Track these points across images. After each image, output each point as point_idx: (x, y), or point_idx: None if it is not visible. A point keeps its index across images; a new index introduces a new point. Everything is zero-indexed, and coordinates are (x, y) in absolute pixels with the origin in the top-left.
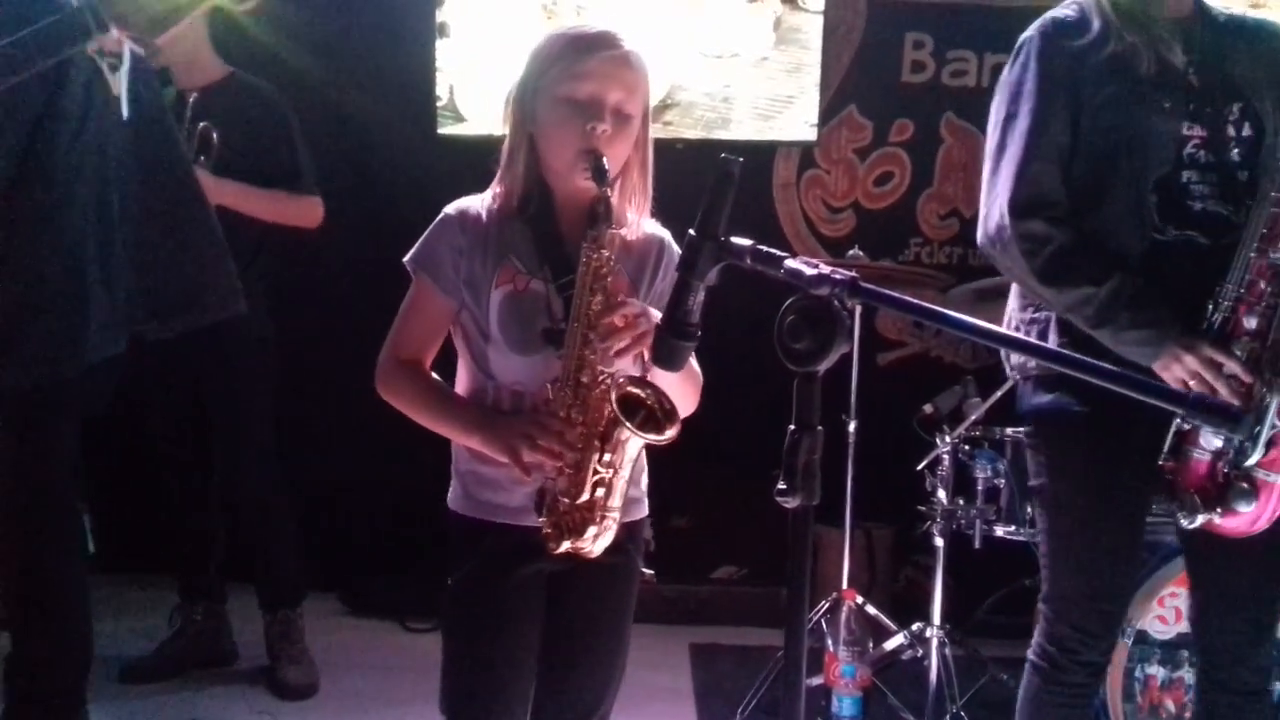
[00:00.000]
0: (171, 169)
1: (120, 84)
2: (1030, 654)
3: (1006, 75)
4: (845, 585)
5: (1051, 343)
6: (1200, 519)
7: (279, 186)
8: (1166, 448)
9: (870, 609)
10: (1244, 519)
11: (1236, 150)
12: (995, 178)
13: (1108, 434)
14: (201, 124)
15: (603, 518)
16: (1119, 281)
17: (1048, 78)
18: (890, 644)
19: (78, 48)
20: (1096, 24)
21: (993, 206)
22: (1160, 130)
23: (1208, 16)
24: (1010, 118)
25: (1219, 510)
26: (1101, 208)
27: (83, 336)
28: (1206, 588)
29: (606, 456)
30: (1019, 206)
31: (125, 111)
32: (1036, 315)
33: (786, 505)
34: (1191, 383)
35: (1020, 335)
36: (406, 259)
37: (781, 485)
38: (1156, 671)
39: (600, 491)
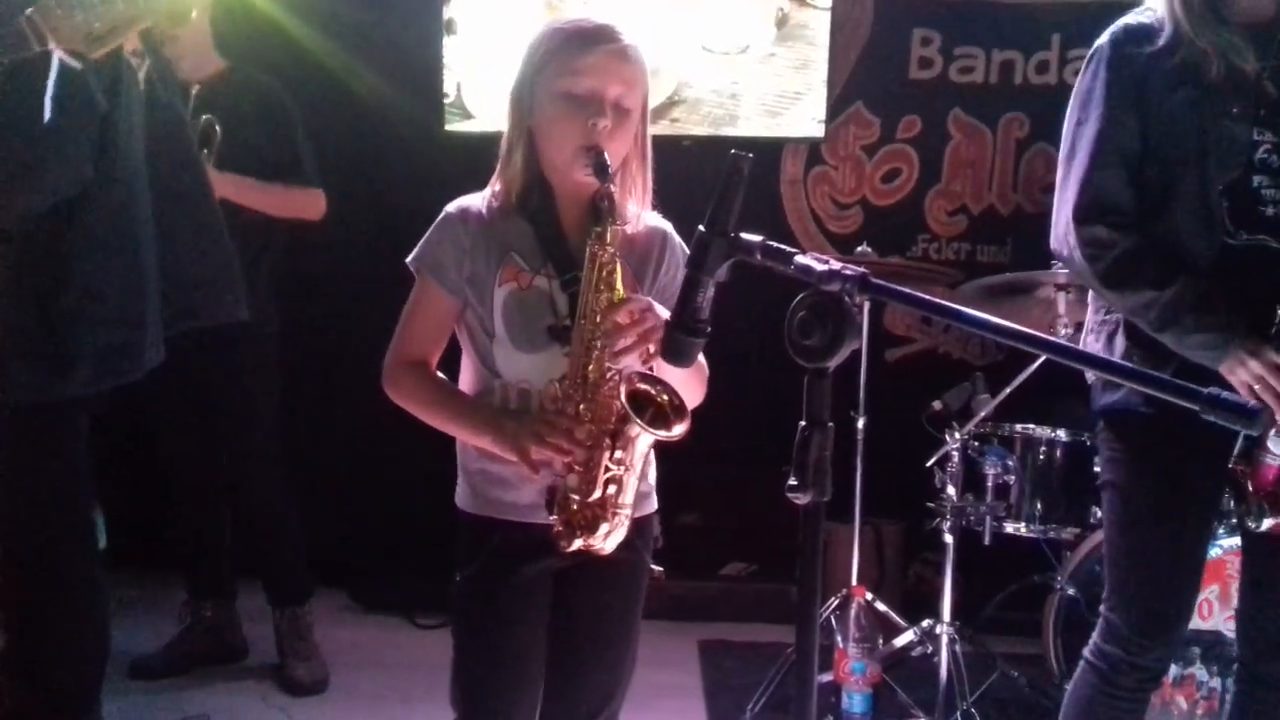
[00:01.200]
0: (185, 169)
1: (48, 88)
2: (1087, 653)
3: (1079, 83)
4: (855, 582)
5: (1118, 344)
6: (1268, 523)
7: (280, 179)
8: (1237, 451)
9: (880, 605)
10: None
11: None
12: (1065, 184)
13: (1178, 436)
14: (204, 117)
15: (614, 515)
16: (1183, 285)
17: (1116, 85)
18: (900, 641)
19: (16, 59)
20: (1168, 30)
21: (1060, 212)
22: (1229, 135)
23: None
24: (1080, 124)
25: None
26: (1171, 212)
27: (142, 344)
28: (1261, 584)
29: (618, 454)
30: (1083, 212)
31: (47, 114)
32: (1107, 317)
33: (798, 501)
34: (1256, 387)
35: (1088, 340)
36: (409, 259)
37: (793, 481)
38: (1169, 668)
39: (612, 489)
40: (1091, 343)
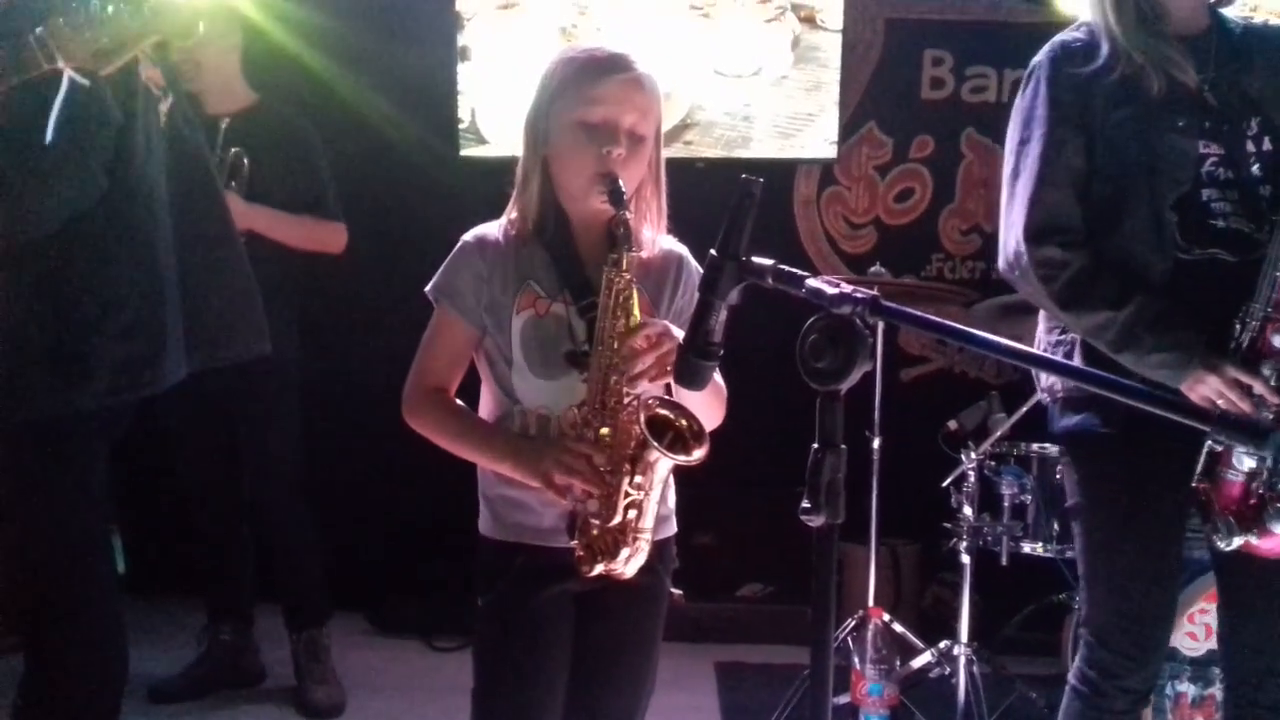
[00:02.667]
0: (208, 207)
1: (54, 107)
2: (1071, 678)
3: (1019, 101)
4: (871, 603)
5: (1077, 364)
6: (1237, 541)
7: (305, 213)
8: (1200, 469)
9: (897, 627)
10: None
11: (1257, 165)
12: (1011, 204)
13: (1139, 455)
14: (233, 150)
15: (635, 539)
16: (1139, 305)
17: (1058, 103)
18: (917, 662)
19: (26, 76)
20: (1105, 47)
21: (1009, 233)
22: (1176, 149)
23: (1224, 30)
24: (1023, 143)
25: (1254, 532)
26: (1122, 228)
27: (162, 356)
28: (1237, 605)
29: (637, 478)
30: (1033, 232)
31: (50, 135)
32: (1062, 337)
33: (811, 524)
34: (1219, 403)
35: (1045, 354)
36: (428, 289)
37: (806, 504)
38: (1187, 689)
39: (632, 513)
40: None
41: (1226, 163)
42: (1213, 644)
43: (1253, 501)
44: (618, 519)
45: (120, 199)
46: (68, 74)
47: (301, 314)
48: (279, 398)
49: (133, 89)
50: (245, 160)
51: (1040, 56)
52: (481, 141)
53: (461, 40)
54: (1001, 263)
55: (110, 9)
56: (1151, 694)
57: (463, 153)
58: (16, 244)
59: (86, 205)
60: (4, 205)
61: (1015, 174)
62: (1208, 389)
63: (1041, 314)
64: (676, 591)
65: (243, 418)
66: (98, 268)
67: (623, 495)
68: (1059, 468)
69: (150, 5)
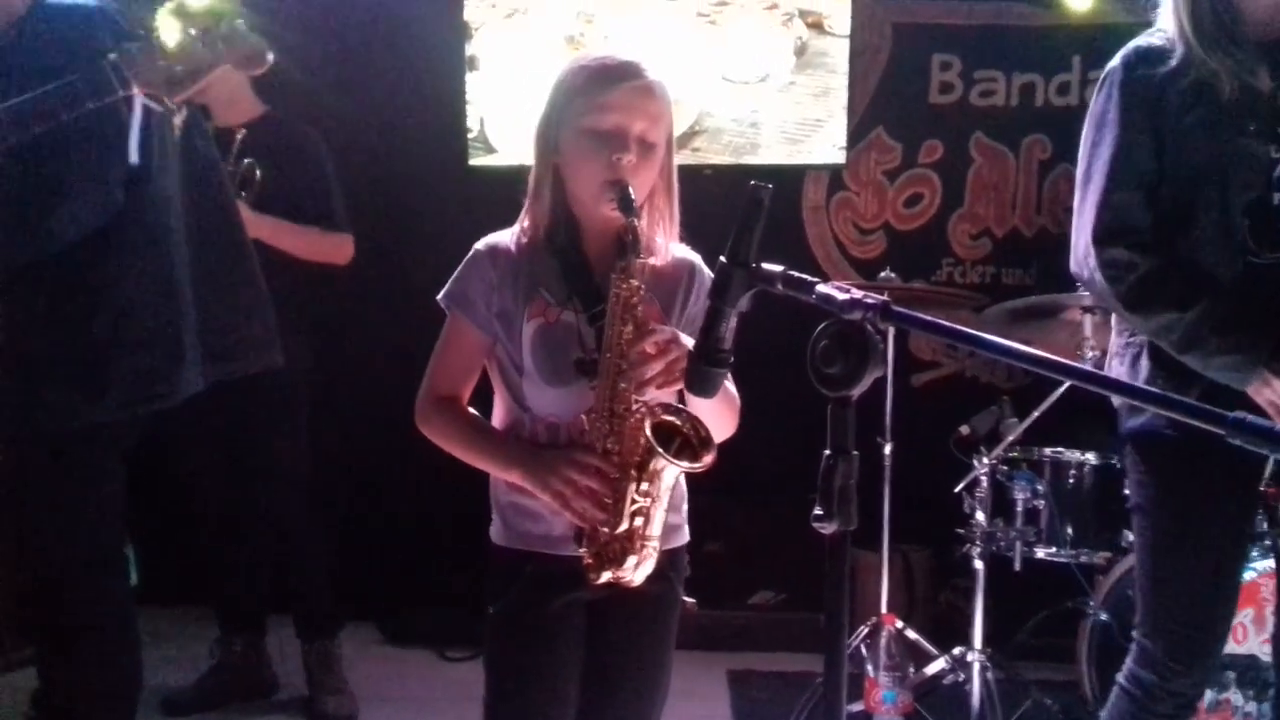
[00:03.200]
0: (222, 219)
1: (131, 135)
2: (1121, 678)
3: (1092, 106)
4: (884, 609)
5: (1143, 366)
6: None
7: (313, 224)
8: (1269, 474)
9: (910, 633)
10: None
11: None
12: (1082, 206)
13: (1203, 457)
14: (246, 160)
15: (642, 546)
16: (1206, 306)
17: (1129, 107)
18: (931, 668)
19: (102, 103)
20: (1179, 51)
21: (1080, 236)
22: (1246, 154)
23: None
24: (1095, 146)
25: None
26: (1191, 232)
27: (178, 369)
28: None
29: (644, 486)
30: (1101, 234)
31: (134, 157)
32: (1131, 340)
33: (823, 531)
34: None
35: (1112, 364)
36: (440, 296)
37: (818, 511)
38: (1204, 693)
39: (639, 521)
40: (1116, 366)
41: None
42: (1230, 648)
43: None
44: (624, 526)
45: (137, 212)
46: (139, 99)
47: (311, 324)
48: (288, 408)
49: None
50: (257, 171)
51: (1115, 61)
52: (490, 150)
53: (469, 50)
54: (1072, 263)
55: (183, 38)
56: (1200, 700)
57: (471, 162)
58: (33, 258)
59: (103, 222)
60: (17, 222)
61: (1087, 177)
62: (1273, 393)
63: (1114, 318)
64: (689, 600)
65: (253, 427)
66: (114, 281)
67: (629, 502)
68: (1072, 472)
69: (222, 35)
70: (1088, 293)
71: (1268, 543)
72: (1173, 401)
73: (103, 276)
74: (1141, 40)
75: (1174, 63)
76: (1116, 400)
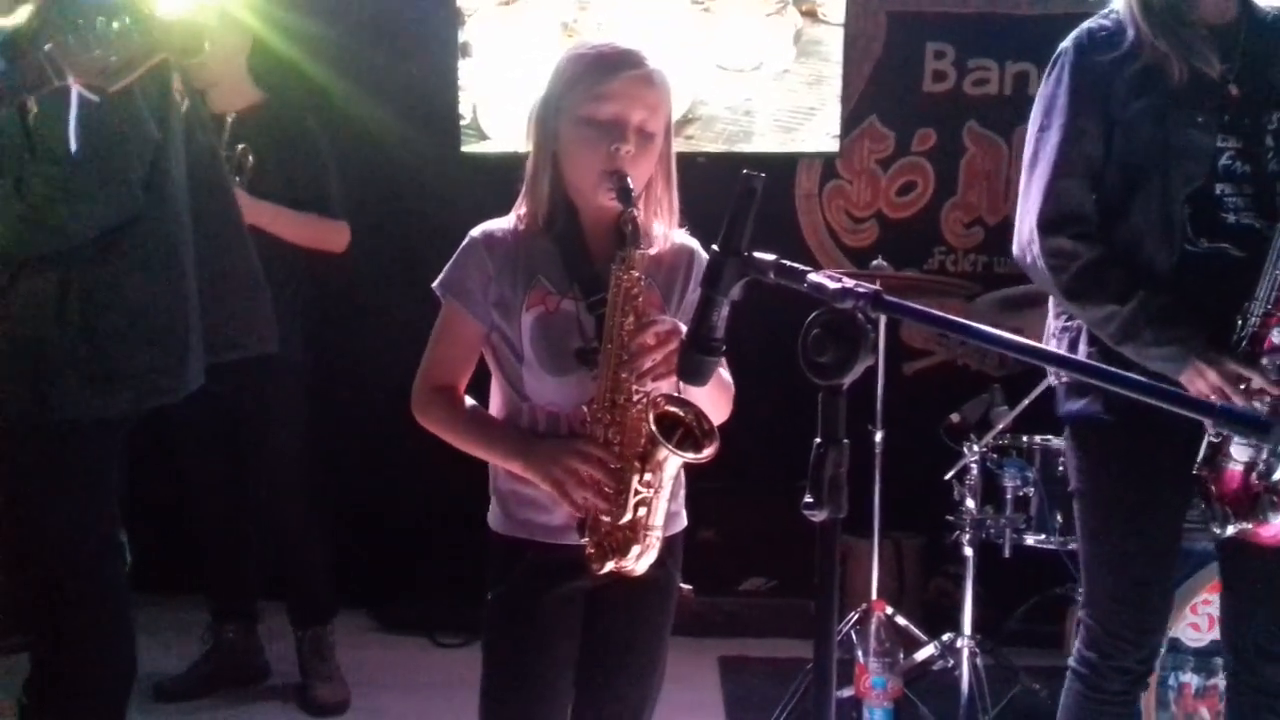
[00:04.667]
0: (221, 208)
1: (70, 120)
2: (1071, 661)
3: (1042, 87)
4: (874, 596)
5: (1081, 351)
6: (1232, 529)
7: (309, 211)
8: (1201, 457)
9: (900, 620)
10: (1278, 528)
11: (1275, 161)
12: (1028, 191)
13: (1140, 442)
14: (239, 146)
15: (645, 536)
16: (1142, 300)
17: (1079, 92)
18: (921, 654)
19: (37, 94)
20: (1130, 34)
21: (1024, 221)
22: (1193, 144)
23: (1254, 19)
24: (1043, 130)
25: (1250, 521)
26: (1131, 218)
27: (185, 365)
28: (1238, 589)
29: (647, 476)
30: (1046, 222)
31: (72, 146)
32: (1069, 324)
33: (813, 519)
34: (1212, 397)
35: (1049, 346)
36: (435, 285)
37: (808, 499)
38: (1190, 679)
39: (642, 511)
40: (1055, 348)
41: (1244, 156)
42: (1216, 634)
43: (1252, 491)
44: (628, 516)
45: (154, 210)
46: (75, 88)
47: (307, 309)
48: (284, 395)
49: (168, 103)
50: (250, 157)
51: (1066, 43)
52: (483, 138)
53: (462, 36)
54: (1015, 249)
55: (117, 27)
56: (1149, 675)
57: (464, 149)
58: (46, 252)
59: (122, 220)
60: (31, 216)
61: (1034, 161)
62: (1205, 384)
63: (1051, 300)
64: (686, 587)
65: (248, 414)
66: (128, 277)
67: (633, 493)
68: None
69: (158, 23)
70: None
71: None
72: (1161, 391)
73: (116, 272)
74: (1093, 22)
75: (1124, 47)
76: (1054, 381)
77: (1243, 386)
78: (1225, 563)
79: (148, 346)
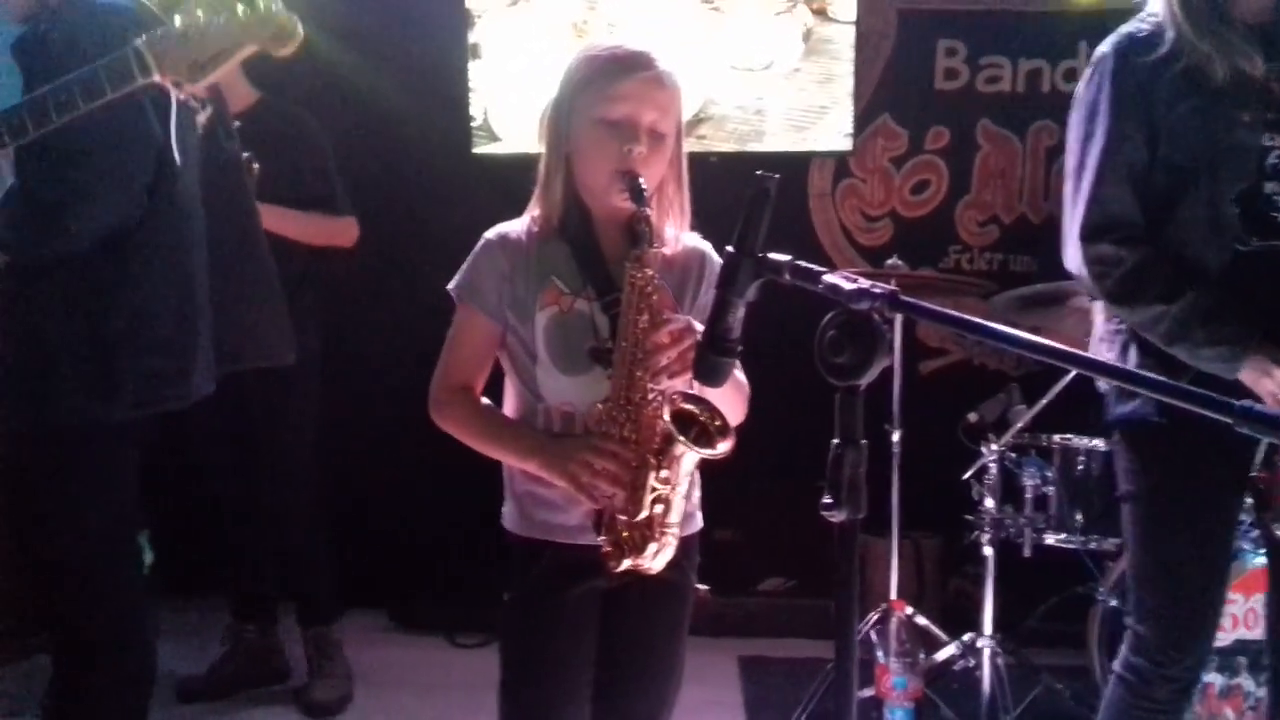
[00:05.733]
0: (242, 218)
1: (172, 130)
2: (1117, 666)
3: (1083, 93)
4: (894, 596)
5: (1132, 355)
6: None
7: (314, 209)
8: (1260, 458)
9: (920, 619)
10: None
11: None
12: (1074, 201)
13: (1195, 445)
14: (244, 154)
15: (662, 534)
16: (1191, 299)
17: (1120, 98)
18: (941, 654)
19: (121, 93)
20: (1171, 36)
21: (1070, 230)
22: (1240, 144)
23: None
24: (1087, 139)
25: None
26: (1179, 220)
27: (189, 373)
28: None
29: (663, 473)
30: (1088, 231)
31: (176, 156)
32: (1119, 327)
33: (832, 520)
34: (1269, 401)
35: (1098, 350)
36: (450, 286)
37: (827, 499)
38: (1214, 679)
39: (659, 508)
40: (1104, 352)
41: None
42: (1240, 634)
43: None
44: (644, 514)
45: (158, 215)
46: (176, 94)
47: (318, 312)
48: (296, 398)
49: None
50: (255, 165)
51: (1105, 48)
52: (494, 139)
53: (472, 38)
54: (1066, 260)
55: (205, 20)
56: (1197, 683)
57: (475, 150)
58: (54, 256)
59: (126, 225)
60: (41, 218)
61: (1079, 170)
62: (1272, 382)
63: (1099, 304)
64: (702, 587)
65: (259, 416)
66: (131, 282)
67: (649, 490)
68: (1081, 457)
69: (246, 15)
70: None
71: (1257, 530)
72: (1181, 390)
73: (121, 276)
74: (1131, 26)
75: (1164, 49)
76: (1103, 385)
77: None
78: (1274, 562)
79: (150, 353)
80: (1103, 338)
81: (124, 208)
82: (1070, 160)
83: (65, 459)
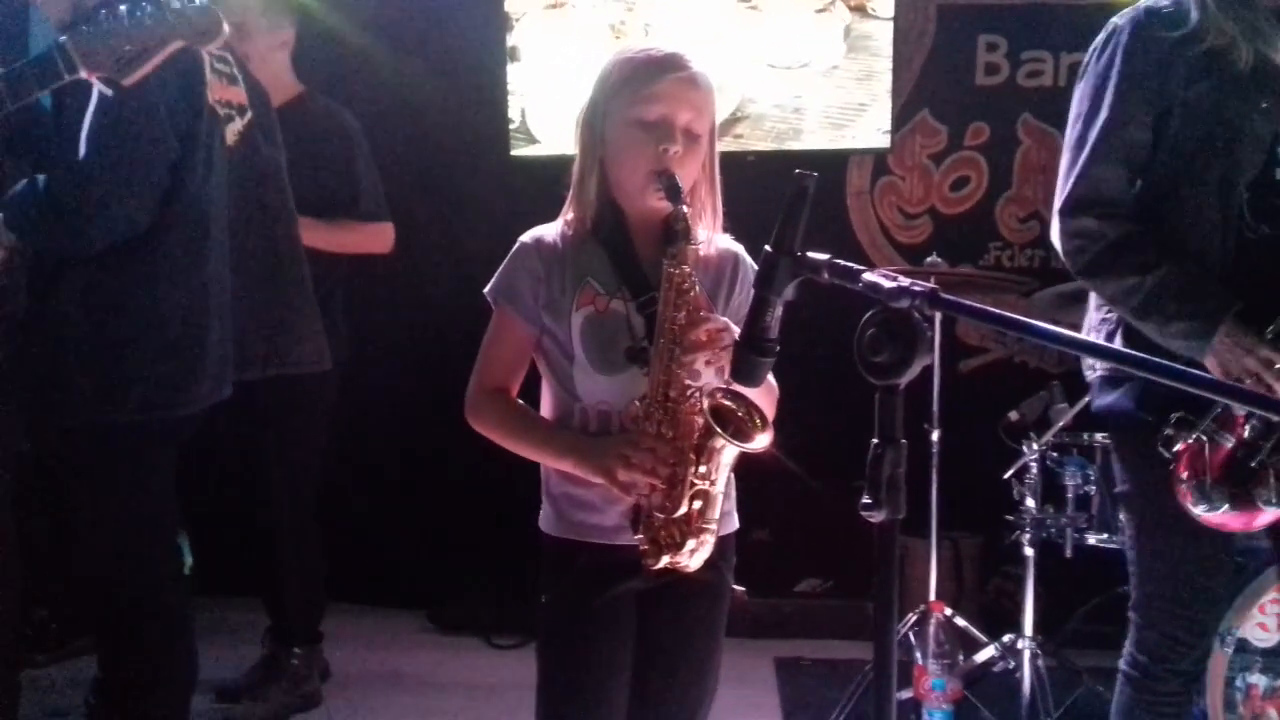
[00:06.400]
0: (279, 228)
1: (84, 125)
2: (1122, 663)
3: (1094, 63)
4: (933, 597)
5: (1117, 343)
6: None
7: (339, 208)
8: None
9: (959, 621)
10: None
11: None
12: (1069, 174)
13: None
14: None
15: (700, 531)
16: (1167, 271)
17: (1131, 75)
18: (981, 656)
19: (46, 90)
20: (1194, 16)
21: (1055, 203)
22: (1254, 131)
23: None
24: (1091, 113)
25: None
26: (1185, 204)
27: (197, 378)
28: None
29: (702, 468)
30: (1074, 204)
31: (82, 149)
32: (1108, 315)
33: (872, 520)
34: (1248, 381)
35: (1090, 338)
36: (486, 290)
37: (866, 499)
38: (1258, 680)
39: (698, 504)
40: (1093, 339)
41: None
42: None
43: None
44: (683, 509)
45: (172, 221)
46: (96, 86)
47: (357, 316)
48: (312, 412)
49: (197, 110)
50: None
51: (1121, 20)
52: (532, 141)
53: (511, 40)
54: (1051, 233)
55: (132, 13)
56: (1204, 674)
57: (513, 153)
58: (70, 258)
59: (135, 233)
60: (48, 221)
61: (1078, 144)
62: (1238, 367)
63: (1091, 293)
64: (739, 588)
65: (276, 420)
66: (142, 287)
67: (688, 486)
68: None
69: (173, 8)
70: None
71: None
72: (1211, 383)
73: (133, 279)
74: (1150, 2)
75: (1187, 28)
76: (1089, 375)
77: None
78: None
79: (159, 357)
80: (1092, 326)
81: (138, 217)
82: (1071, 133)
83: (106, 455)
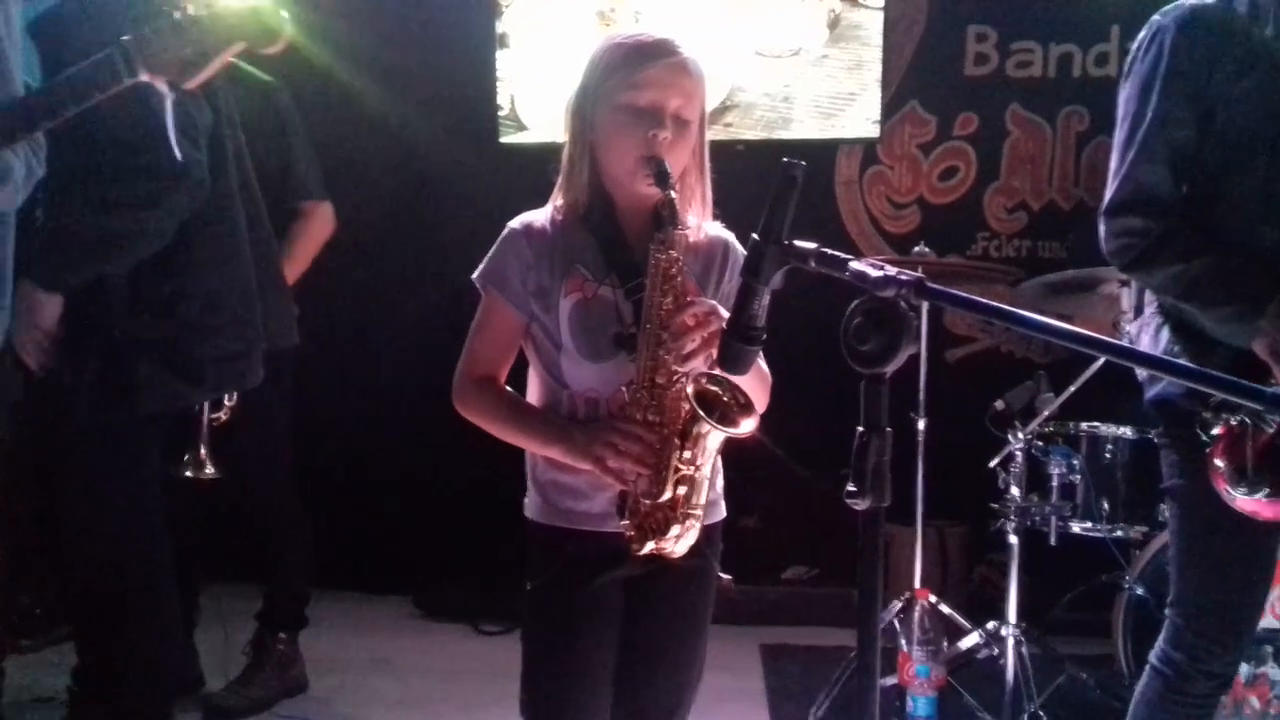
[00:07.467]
0: (250, 204)
1: (169, 130)
2: (1153, 658)
3: (1138, 64)
4: (918, 584)
5: (1163, 337)
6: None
7: (270, 191)
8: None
9: (944, 608)
10: None
11: None
12: (1116, 174)
13: None
14: None
15: (685, 516)
16: (1212, 258)
17: (1175, 73)
18: (965, 643)
19: (109, 93)
20: (1243, 9)
21: (1103, 205)
22: None
23: None
24: (1138, 115)
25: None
26: (1233, 198)
27: (257, 350)
28: None
29: (687, 454)
30: (1120, 203)
31: (177, 153)
32: (1155, 312)
33: (856, 507)
34: None
35: (1143, 335)
36: (475, 276)
37: (851, 487)
38: (1240, 668)
39: (683, 489)
40: (1145, 339)
41: None
42: (1267, 623)
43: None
44: (668, 494)
45: (218, 203)
46: (170, 94)
47: (344, 301)
48: (283, 387)
49: (214, 88)
50: None
51: (1165, 19)
52: (521, 128)
53: (500, 27)
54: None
55: (193, 17)
56: (1235, 677)
57: (502, 139)
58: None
59: (195, 207)
60: (79, 256)
61: (1125, 145)
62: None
63: (1146, 292)
64: (725, 576)
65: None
66: (199, 270)
67: (673, 471)
68: (1109, 446)
69: (234, 12)
70: None
71: None
72: (1210, 376)
73: (189, 262)
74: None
75: (1233, 23)
76: (1141, 371)
77: None
78: None
79: (221, 334)
80: (1145, 323)
81: (193, 194)
82: (1118, 134)
83: (95, 444)
